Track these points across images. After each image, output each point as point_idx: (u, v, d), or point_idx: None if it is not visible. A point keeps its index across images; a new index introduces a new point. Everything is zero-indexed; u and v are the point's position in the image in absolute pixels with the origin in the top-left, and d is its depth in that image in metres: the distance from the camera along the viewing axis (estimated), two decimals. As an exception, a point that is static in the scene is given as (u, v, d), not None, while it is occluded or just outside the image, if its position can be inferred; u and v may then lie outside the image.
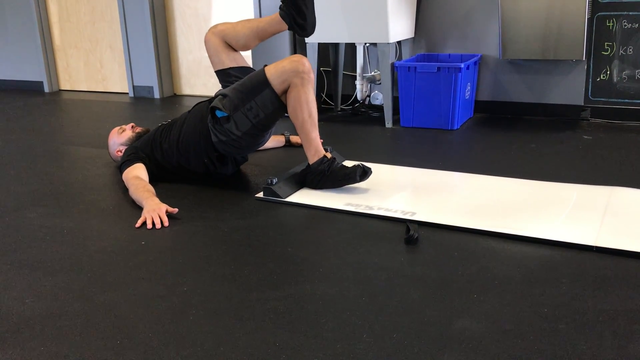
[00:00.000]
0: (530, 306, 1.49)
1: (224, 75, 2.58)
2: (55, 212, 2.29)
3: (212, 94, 4.69)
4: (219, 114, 2.34)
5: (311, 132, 2.35)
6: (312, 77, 2.31)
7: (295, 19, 2.38)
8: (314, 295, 1.58)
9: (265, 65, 2.36)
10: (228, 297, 1.59)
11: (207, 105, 2.49)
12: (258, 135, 2.42)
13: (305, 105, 2.30)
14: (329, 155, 2.38)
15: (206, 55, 4.68)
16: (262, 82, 2.30)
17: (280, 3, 2.42)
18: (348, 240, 1.93)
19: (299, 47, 3.89)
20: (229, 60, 2.56)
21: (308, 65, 2.29)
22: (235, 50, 2.59)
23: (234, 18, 4.51)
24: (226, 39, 2.55)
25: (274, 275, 1.70)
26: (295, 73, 2.26)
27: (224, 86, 2.58)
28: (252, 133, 2.37)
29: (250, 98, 2.30)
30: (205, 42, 2.59)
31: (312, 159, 2.37)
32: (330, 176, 2.35)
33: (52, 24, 5.30)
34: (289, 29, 2.44)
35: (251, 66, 2.64)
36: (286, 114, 2.38)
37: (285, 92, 2.31)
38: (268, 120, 2.36)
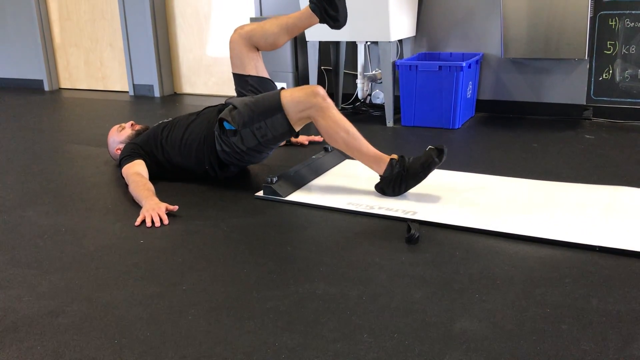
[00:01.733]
0: (532, 306, 1.47)
1: (241, 80, 2.56)
2: (53, 211, 2.28)
3: (213, 92, 4.71)
4: (226, 125, 2.32)
5: (361, 147, 2.24)
6: (329, 101, 2.23)
7: (327, 10, 2.34)
8: (314, 295, 1.57)
9: (282, 89, 2.33)
10: (227, 297, 1.58)
11: (216, 112, 2.46)
12: (262, 151, 2.39)
13: (337, 127, 2.22)
14: (395, 156, 2.24)
15: (206, 53, 4.69)
16: (276, 107, 2.24)
17: None
18: (349, 240, 1.92)
19: (299, 45, 3.88)
20: (250, 67, 2.53)
21: (322, 92, 2.22)
22: (258, 54, 2.55)
23: (234, 17, 4.51)
24: (253, 40, 2.51)
25: (274, 275, 1.69)
26: (310, 105, 2.21)
27: (238, 91, 2.56)
28: (257, 149, 2.35)
29: (262, 119, 2.26)
30: (230, 42, 2.55)
31: (380, 169, 2.23)
32: (409, 173, 2.18)
33: (52, 22, 5.29)
34: (320, 22, 2.38)
35: (269, 77, 2.60)
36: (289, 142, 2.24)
37: (300, 120, 2.26)
38: (275, 140, 2.33)
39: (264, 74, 2.59)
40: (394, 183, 2.22)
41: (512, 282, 1.60)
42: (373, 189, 2.32)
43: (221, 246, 1.90)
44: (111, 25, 5.00)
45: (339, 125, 2.23)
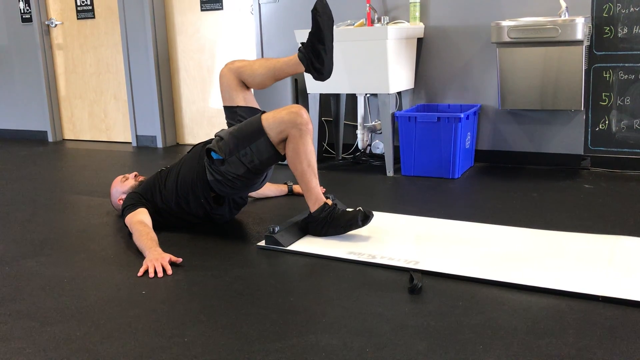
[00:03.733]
0: (536, 357, 1.46)
1: (231, 112, 2.60)
2: (55, 261, 2.27)
3: (215, 143, 4.76)
4: (214, 155, 2.37)
5: (311, 182, 2.36)
6: (311, 127, 2.33)
7: (313, 62, 2.40)
8: (317, 347, 1.55)
9: (263, 112, 2.39)
10: (230, 349, 1.56)
11: (203, 145, 2.52)
12: (252, 178, 2.44)
13: (304, 156, 2.32)
14: (330, 202, 2.39)
15: (209, 105, 4.77)
16: (258, 130, 2.32)
17: (300, 45, 2.45)
18: (351, 290, 1.91)
19: (300, 97, 3.95)
20: (239, 99, 2.58)
21: (306, 116, 2.31)
22: (248, 88, 2.61)
23: (237, 69, 4.60)
24: (242, 77, 2.56)
25: (276, 326, 1.68)
26: (293, 124, 2.29)
27: (229, 123, 2.60)
28: (246, 176, 2.39)
29: (246, 145, 2.33)
30: (220, 76, 2.61)
31: (313, 207, 2.38)
32: (333, 223, 2.35)
33: (58, 75, 5.41)
34: (305, 72, 2.46)
35: (258, 107, 2.65)
36: (283, 162, 2.37)
37: (282, 141, 2.33)
38: (263, 165, 2.38)
39: (253, 104, 2.63)
40: (316, 225, 2.38)
41: (515, 333, 1.59)
42: (374, 237, 2.34)
43: (223, 297, 1.90)
44: (116, 78, 5.10)
45: (307, 154, 2.33)
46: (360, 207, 2.34)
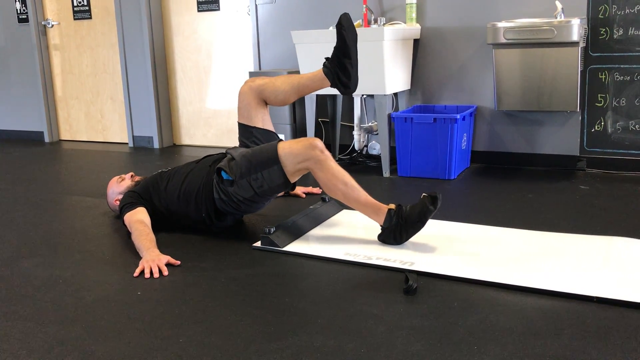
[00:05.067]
0: (531, 357, 1.46)
1: (246, 131, 2.58)
2: (51, 262, 2.27)
3: (211, 144, 4.76)
4: (224, 175, 2.35)
5: (359, 198, 2.28)
6: (327, 153, 2.26)
7: (340, 77, 2.38)
8: (312, 347, 1.56)
9: (280, 140, 2.37)
10: (225, 349, 1.56)
11: (215, 161, 2.50)
12: (257, 202, 2.41)
13: (336, 180, 2.26)
14: (392, 206, 2.27)
15: (206, 106, 4.77)
16: (273, 159, 2.28)
17: (325, 60, 2.43)
18: (347, 291, 1.92)
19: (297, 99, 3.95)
20: (257, 119, 2.56)
21: (320, 145, 2.26)
22: (266, 106, 2.59)
23: (233, 70, 4.61)
24: (264, 94, 2.54)
25: (272, 327, 1.68)
26: (308, 157, 2.24)
27: (241, 141, 2.59)
28: (252, 200, 2.37)
29: (258, 170, 2.29)
30: (240, 93, 2.59)
31: (380, 219, 2.27)
32: (407, 224, 2.23)
33: (55, 76, 5.40)
34: (331, 86, 2.43)
35: (274, 131, 2.63)
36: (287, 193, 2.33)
37: (297, 172, 2.29)
38: (271, 192, 2.36)
39: (270, 127, 2.62)
40: (394, 233, 2.25)
41: (510, 334, 1.59)
42: (370, 238, 2.33)
43: (219, 298, 1.90)
44: (112, 78, 5.10)
45: (337, 177, 2.26)
46: (424, 193, 2.26)
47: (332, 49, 2.41)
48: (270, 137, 2.57)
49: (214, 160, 2.52)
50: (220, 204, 2.41)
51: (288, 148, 2.28)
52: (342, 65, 2.37)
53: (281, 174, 2.28)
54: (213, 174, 2.41)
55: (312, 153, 2.24)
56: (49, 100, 5.40)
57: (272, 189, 2.33)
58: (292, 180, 2.33)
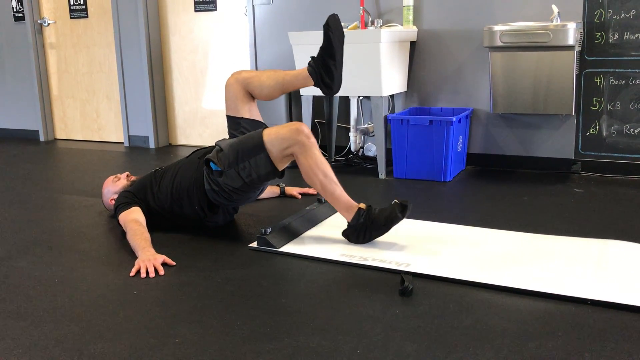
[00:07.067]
0: (526, 359, 1.47)
1: (234, 123, 2.59)
2: (46, 261, 2.27)
3: (207, 144, 4.75)
4: (213, 166, 2.36)
5: (334, 191, 2.31)
6: (313, 140, 2.28)
7: (323, 78, 2.39)
8: (307, 348, 1.56)
9: (265, 128, 2.38)
10: (221, 349, 1.57)
11: (204, 153, 2.51)
12: (248, 192, 2.42)
13: (316, 168, 2.28)
14: (362, 205, 2.32)
15: (202, 106, 4.76)
16: (259, 145, 2.29)
17: (310, 59, 2.44)
18: (342, 292, 1.92)
19: (293, 99, 3.96)
20: (244, 111, 2.57)
21: (307, 130, 2.27)
22: (254, 99, 2.60)
23: (230, 70, 4.61)
24: (249, 88, 2.55)
25: (267, 327, 1.68)
26: (294, 141, 2.25)
27: (230, 133, 2.60)
28: (243, 190, 2.38)
29: (245, 159, 2.31)
30: (226, 86, 2.59)
31: (348, 216, 2.31)
32: (373, 225, 2.28)
33: (51, 75, 5.38)
34: (314, 85, 2.44)
35: (262, 121, 2.64)
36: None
37: (284, 158, 2.30)
38: (260, 180, 2.37)
39: (258, 117, 2.62)
40: (358, 232, 2.30)
41: (505, 336, 1.60)
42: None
43: (214, 298, 1.90)
44: (108, 77, 5.09)
45: (318, 167, 2.29)
46: (395, 200, 2.29)
47: (318, 49, 2.42)
48: (258, 126, 2.55)
49: (203, 153, 2.53)
50: (212, 195, 2.42)
51: (274, 133, 2.30)
52: (326, 67, 2.37)
53: (268, 161, 2.29)
54: (203, 166, 2.42)
55: (298, 138, 2.25)
56: (44, 99, 5.38)
57: (260, 177, 2.34)
58: (280, 167, 2.33)
